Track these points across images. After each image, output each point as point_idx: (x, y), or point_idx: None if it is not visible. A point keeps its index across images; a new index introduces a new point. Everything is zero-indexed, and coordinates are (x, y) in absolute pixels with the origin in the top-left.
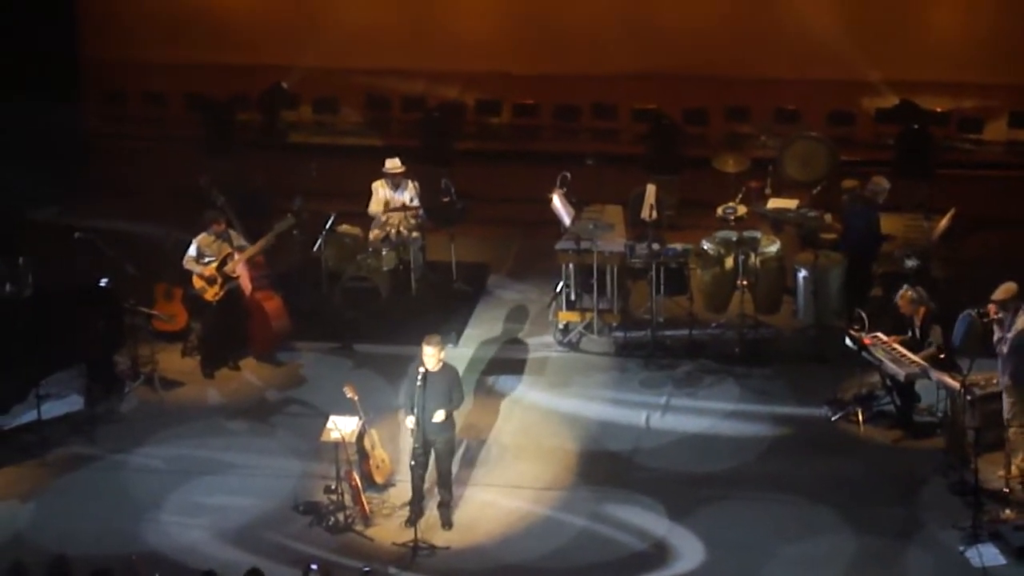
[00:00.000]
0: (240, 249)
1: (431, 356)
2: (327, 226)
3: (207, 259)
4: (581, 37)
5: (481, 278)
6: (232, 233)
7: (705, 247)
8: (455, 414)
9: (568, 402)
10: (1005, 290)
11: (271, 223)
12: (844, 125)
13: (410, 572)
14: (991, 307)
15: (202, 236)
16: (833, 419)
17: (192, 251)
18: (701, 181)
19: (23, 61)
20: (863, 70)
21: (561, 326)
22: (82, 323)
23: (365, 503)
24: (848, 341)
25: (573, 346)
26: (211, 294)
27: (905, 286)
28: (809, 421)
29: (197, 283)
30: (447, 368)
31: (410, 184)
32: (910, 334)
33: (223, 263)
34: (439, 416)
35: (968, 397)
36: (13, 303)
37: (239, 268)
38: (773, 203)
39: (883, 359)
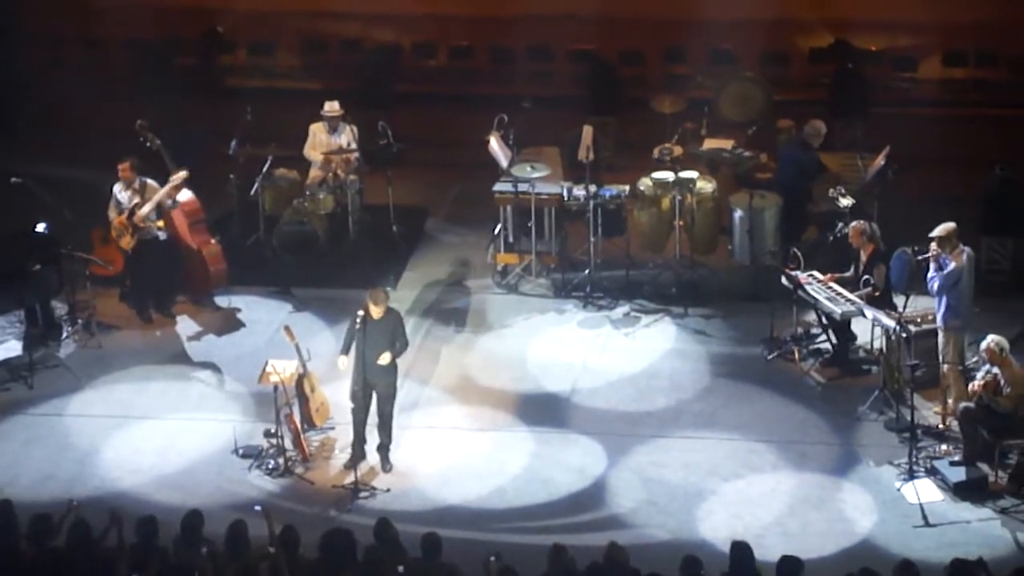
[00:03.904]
0: (146, 200)
1: (376, 311)
2: (263, 170)
3: (123, 207)
4: None
5: (419, 221)
6: (148, 182)
7: (642, 188)
8: (397, 359)
9: (507, 344)
10: (944, 228)
11: (205, 167)
12: (779, 65)
13: (351, 515)
14: (932, 245)
15: (118, 184)
16: (769, 357)
17: (113, 199)
18: (637, 122)
19: None
20: (797, 9)
21: (499, 268)
22: (19, 268)
23: (305, 446)
24: (784, 280)
25: (511, 288)
26: (124, 243)
27: (860, 221)
28: (746, 360)
29: (113, 232)
30: (391, 312)
31: (348, 128)
32: (852, 269)
33: (131, 213)
34: (385, 359)
35: (903, 334)
36: None
37: (173, 216)
38: (709, 143)
39: (818, 297)
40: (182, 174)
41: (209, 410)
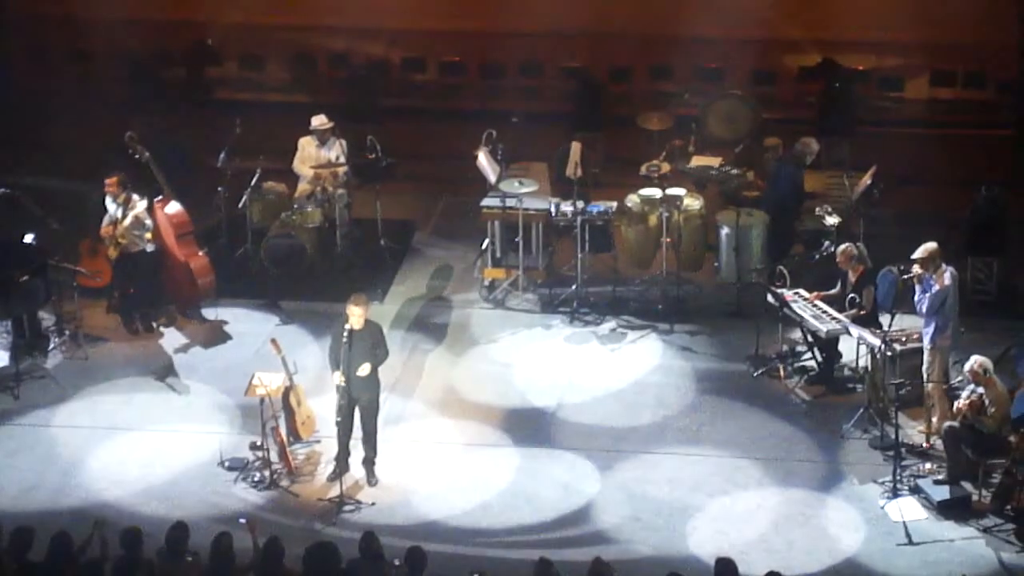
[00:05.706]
0: (117, 221)
1: (358, 316)
2: (252, 182)
3: (111, 218)
4: None
5: (407, 235)
6: (134, 196)
7: (629, 204)
8: (379, 371)
9: (493, 358)
10: (925, 249)
11: (193, 179)
12: (766, 83)
13: (335, 528)
14: (914, 266)
15: (108, 196)
16: (755, 375)
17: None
18: (625, 139)
19: None
20: (785, 28)
21: (487, 283)
22: (6, 279)
23: (291, 459)
24: (770, 297)
25: (499, 303)
26: (110, 252)
27: (849, 244)
28: (731, 376)
29: (103, 243)
30: (371, 325)
31: (337, 142)
32: (839, 287)
33: (117, 225)
34: (364, 370)
35: (888, 352)
36: None
37: (160, 228)
38: (696, 161)
39: (804, 315)
40: (142, 205)
41: (195, 422)
